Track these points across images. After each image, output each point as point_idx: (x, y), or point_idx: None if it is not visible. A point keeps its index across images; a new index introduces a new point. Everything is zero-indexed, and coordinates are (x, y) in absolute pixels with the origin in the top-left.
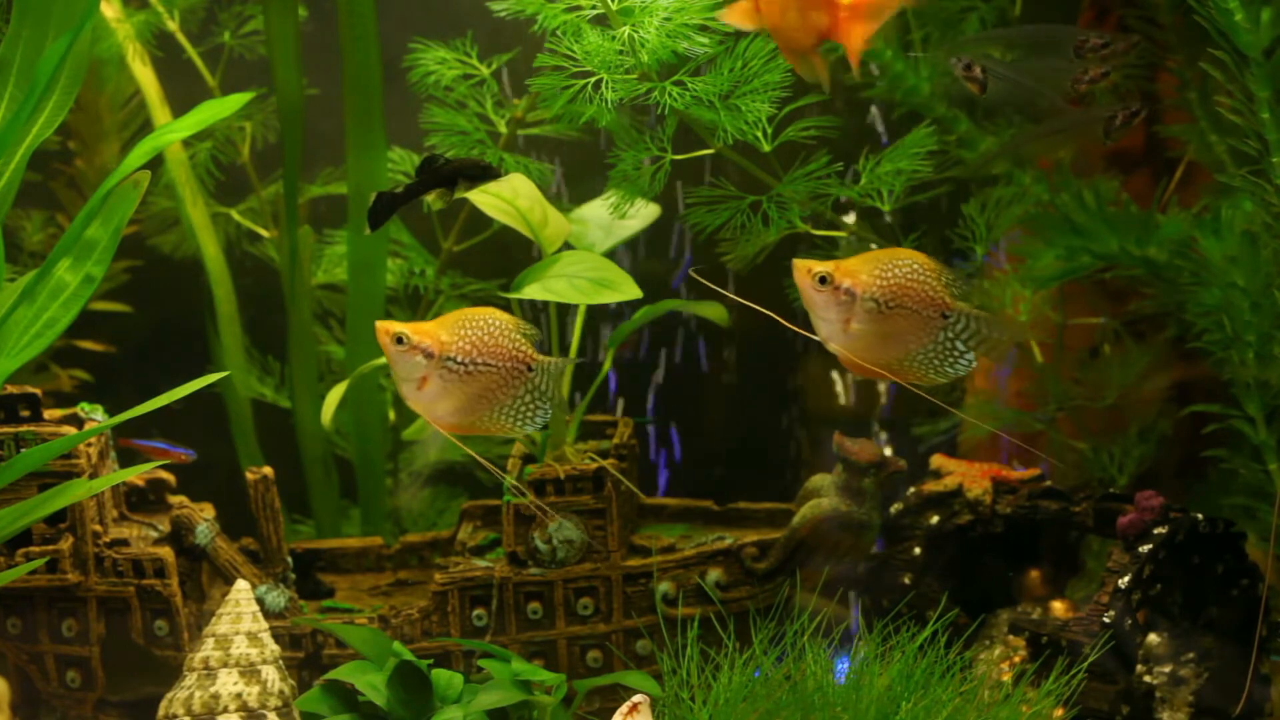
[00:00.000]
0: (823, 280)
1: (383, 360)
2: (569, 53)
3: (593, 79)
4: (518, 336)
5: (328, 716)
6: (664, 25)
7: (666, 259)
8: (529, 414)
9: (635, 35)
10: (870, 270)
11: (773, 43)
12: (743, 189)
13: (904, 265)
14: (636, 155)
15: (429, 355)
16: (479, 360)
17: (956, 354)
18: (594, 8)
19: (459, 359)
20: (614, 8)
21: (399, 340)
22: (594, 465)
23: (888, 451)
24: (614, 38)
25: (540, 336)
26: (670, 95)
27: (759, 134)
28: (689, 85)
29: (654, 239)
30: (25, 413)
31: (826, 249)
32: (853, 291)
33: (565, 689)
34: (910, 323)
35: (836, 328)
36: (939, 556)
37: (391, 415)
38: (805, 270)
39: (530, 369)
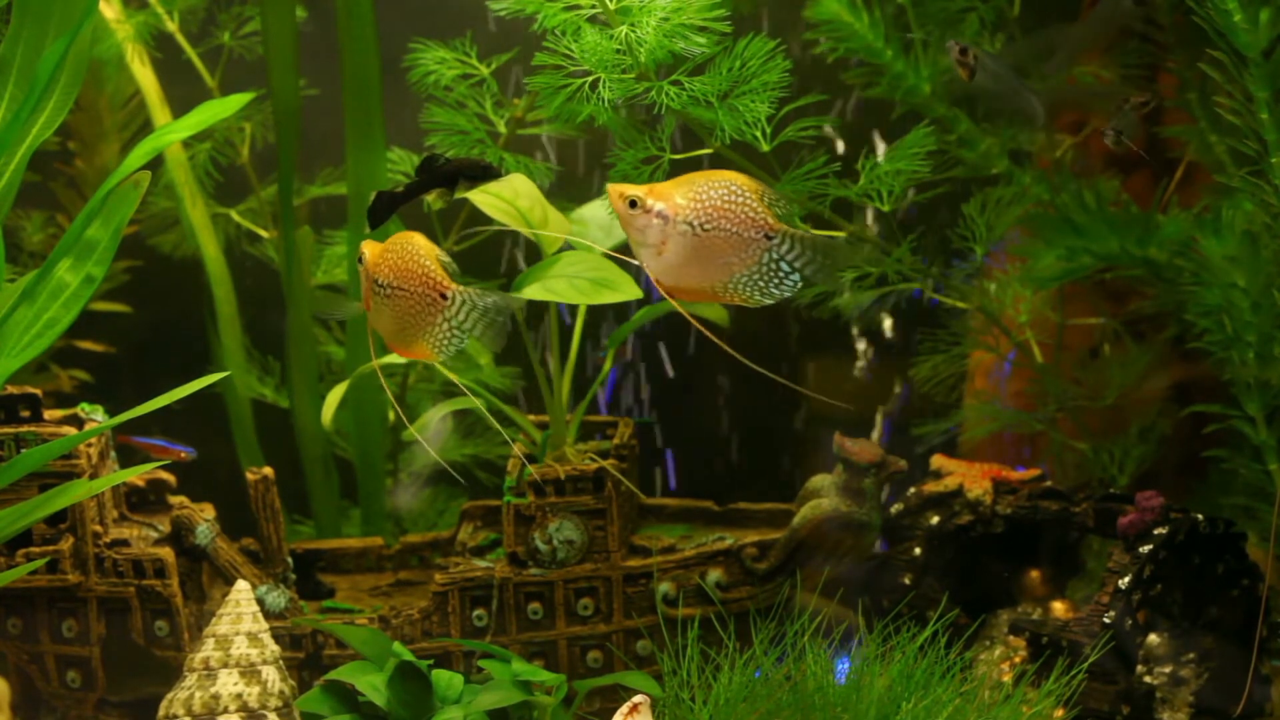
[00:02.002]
0: (633, 204)
1: (383, 360)
2: (567, 52)
3: (590, 78)
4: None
5: (328, 717)
6: (662, 25)
7: None
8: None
9: (633, 35)
10: (684, 192)
11: (772, 43)
12: None
13: (720, 186)
14: (636, 155)
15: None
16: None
17: (781, 275)
18: (593, 7)
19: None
20: (612, 7)
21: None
22: (594, 466)
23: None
24: (612, 37)
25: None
26: (668, 95)
27: (758, 134)
28: (686, 85)
29: None
30: (25, 413)
31: None
32: (665, 214)
33: (565, 689)
34: (730, 244)
35: (651, 253)
36: (939, 557)
37: (391, 415)
38: (618, 194)
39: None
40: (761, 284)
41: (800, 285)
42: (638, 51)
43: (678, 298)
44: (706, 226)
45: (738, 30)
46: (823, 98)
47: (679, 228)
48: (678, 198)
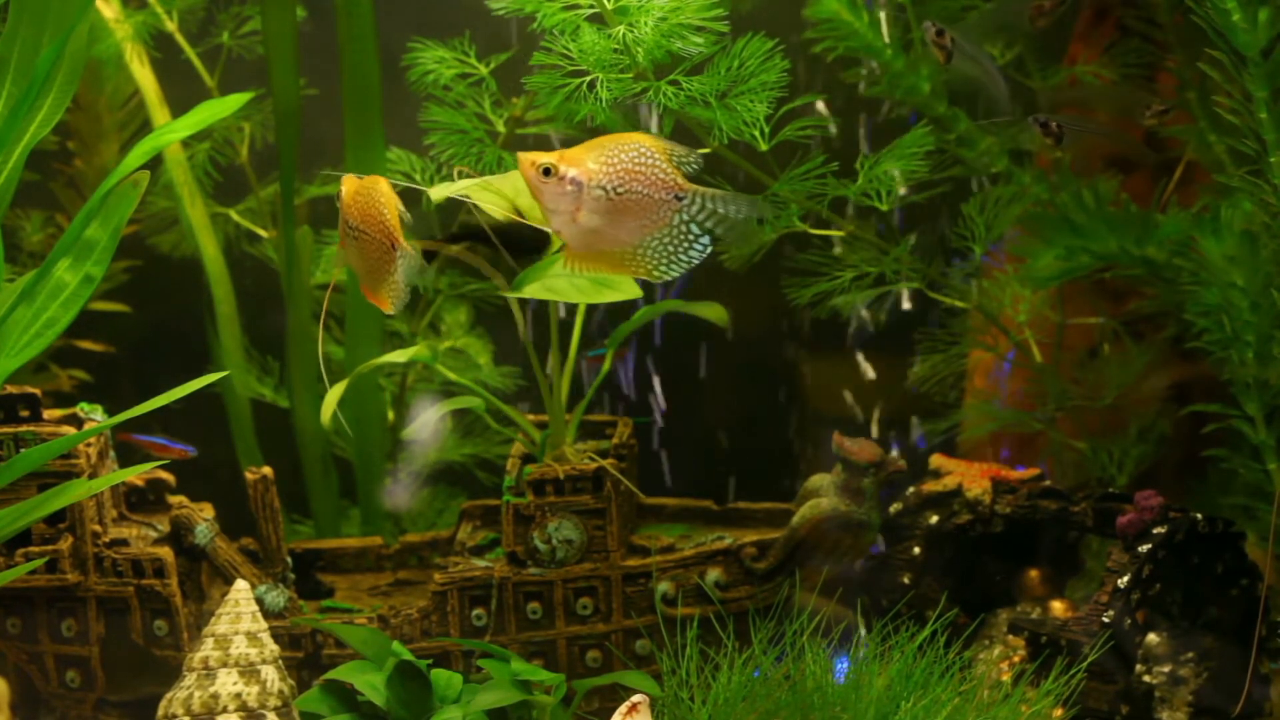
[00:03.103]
0: (546, 172)
1: (382, 360)
2: (565, 51)
3: (587, 78)
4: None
5: (327, 716)
6: (660, 25)
7: None
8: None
9: (631, 35)
10: (595, 157)
11: (769, 42)
12: (744, 189)
13: (630, 149)
14: None
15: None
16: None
17: (691, 238)
18: (591, 6)
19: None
20: (610, 7)
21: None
22: (593, 465)
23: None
24: (610, 36)
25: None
26: (665, 95)
27: (756, 133)
28: (684, 85)
29: None
30: (25, 413)
31: (824, 249)
32: (578, 180)
33: (564, 689)
34: (642, 207)
35: (566, 219)
36: (938, 556)
37: (391, 415)
38: (529, 163)
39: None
40: (671, 248)
41: (708, 250)
42: (635, 51)
43: (590, 268)
44: (620, 190)
45: (744, 29)
46: (820, 97)
47: (593, 193)
48: (590, 163)
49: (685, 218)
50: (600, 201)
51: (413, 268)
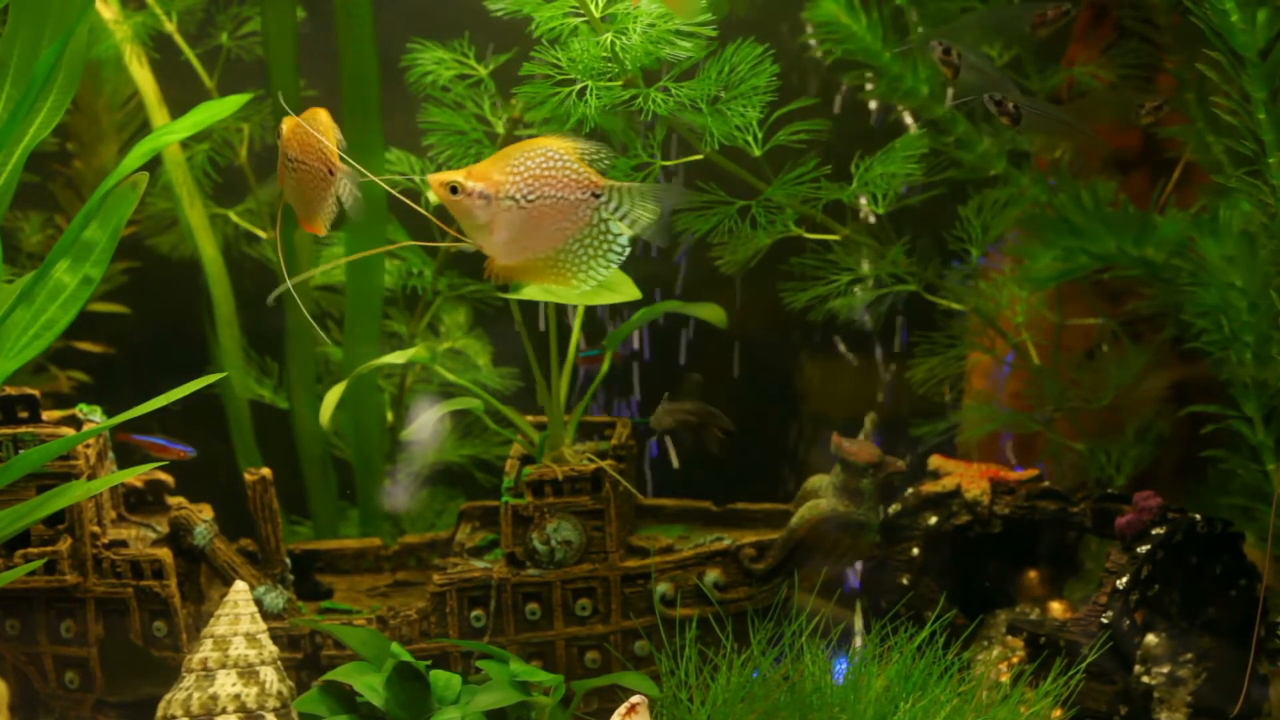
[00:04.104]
0: (454, 190)
1: (381, 361)
2: (555, 60)
3: (577, 86)
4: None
5: (326, 717)
6: (648, 32)
7: (669, 260)
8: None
9: (619, 42)
10: (501, 168)
11: (760, 47)
12: (738, 194)
13: (536, 154)
14: (628, 161)
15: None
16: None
17: (611, 237)
18: (578, 13)
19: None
20: (597, 15)
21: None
22: (592, 466)
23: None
24: (598, 44)
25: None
26: (655, 101)
27: (749, 139)
28: (674, 91)
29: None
30: (24, 414)
31: (820, 253)
32: (486, 193)
33: (563, 690)
34: (558, 210)
35: (483, 233)
36: (937, 557)
37: (390, 416)
38: (438, 183)
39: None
40: (593, 249)
41: (628, 249)
42: (624, 59)
43: (519, 280)
44: (530, 197)
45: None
46: (813, 101)
47: (503, 204)
48: (495, 174)
49: (603, 215)
50: (511, 211)
51: (351, 184)
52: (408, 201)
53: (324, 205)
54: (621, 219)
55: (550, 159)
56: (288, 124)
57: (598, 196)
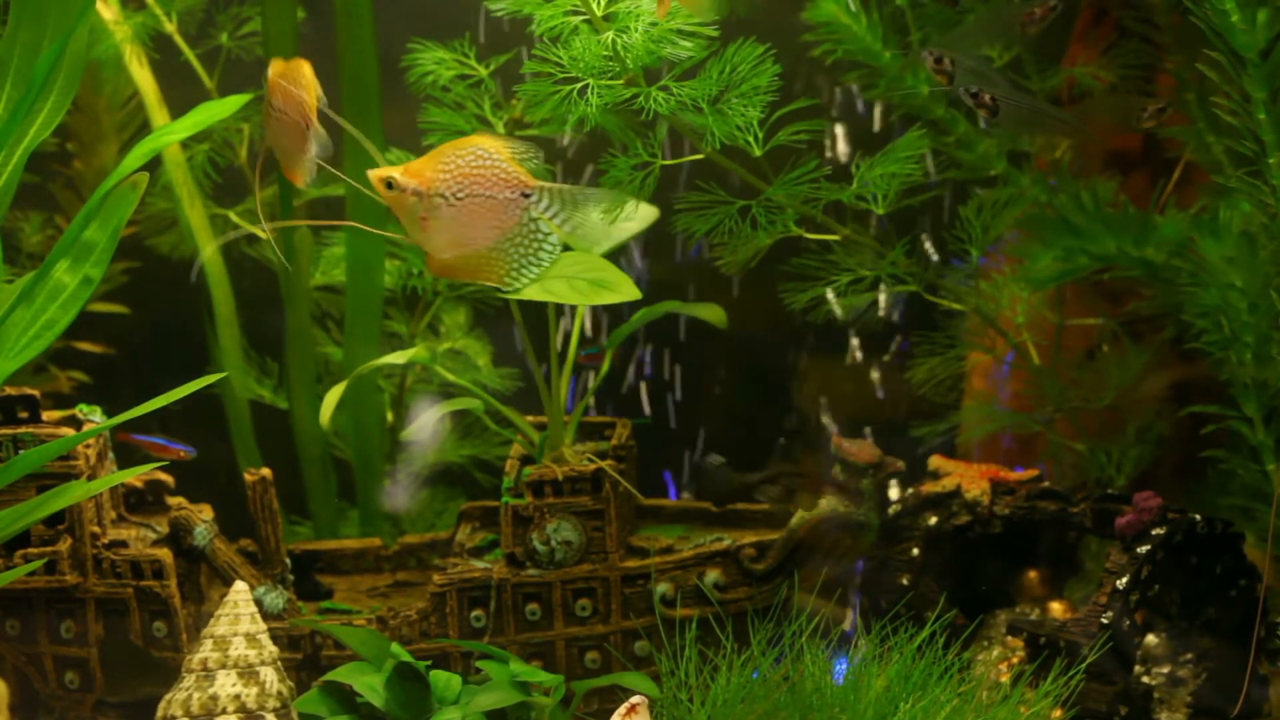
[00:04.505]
0: (389, 185)
1: (381, 361)
2: (557, 59)
3: (579, 85)
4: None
5: (326, 717)
6: (650, 31)
7: (669, 260)
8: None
9: (620, 41)
10: (434, 166)
11: (761, 47)
12: (738, 194)
13: (466, 153)
14: (629, 160)
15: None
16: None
17: (540, 237)
18: (581, 12)
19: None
20: (599, 14)
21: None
22: (592, 466)
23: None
24: (600, 42)
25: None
26: (656, 100)
27: (750, 138)
28: (675, 90)
29: (657, 240)
30: (23, 414)
31: (820, 253)
32: (419, 190)
33: (563, 690)
34: (488, 209)
35: (418, 230)
36: (937, 557)
37: (390, 416)
38: (377, 179)
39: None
40: (524, 249)
41: (558, 250)
42: (625, 58)
43: (453, 277)
44: (460, 195)
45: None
46: (813, 102)
47: (434, 201)
48: (428, 172)
49: (533, 215)
50: (442, 209)
51: (324, 144)
52: (367, 190)
53: (302, 157)
54: (553, 219)
55: (480, 158)
56: (273, 70)
57: (527, 196)
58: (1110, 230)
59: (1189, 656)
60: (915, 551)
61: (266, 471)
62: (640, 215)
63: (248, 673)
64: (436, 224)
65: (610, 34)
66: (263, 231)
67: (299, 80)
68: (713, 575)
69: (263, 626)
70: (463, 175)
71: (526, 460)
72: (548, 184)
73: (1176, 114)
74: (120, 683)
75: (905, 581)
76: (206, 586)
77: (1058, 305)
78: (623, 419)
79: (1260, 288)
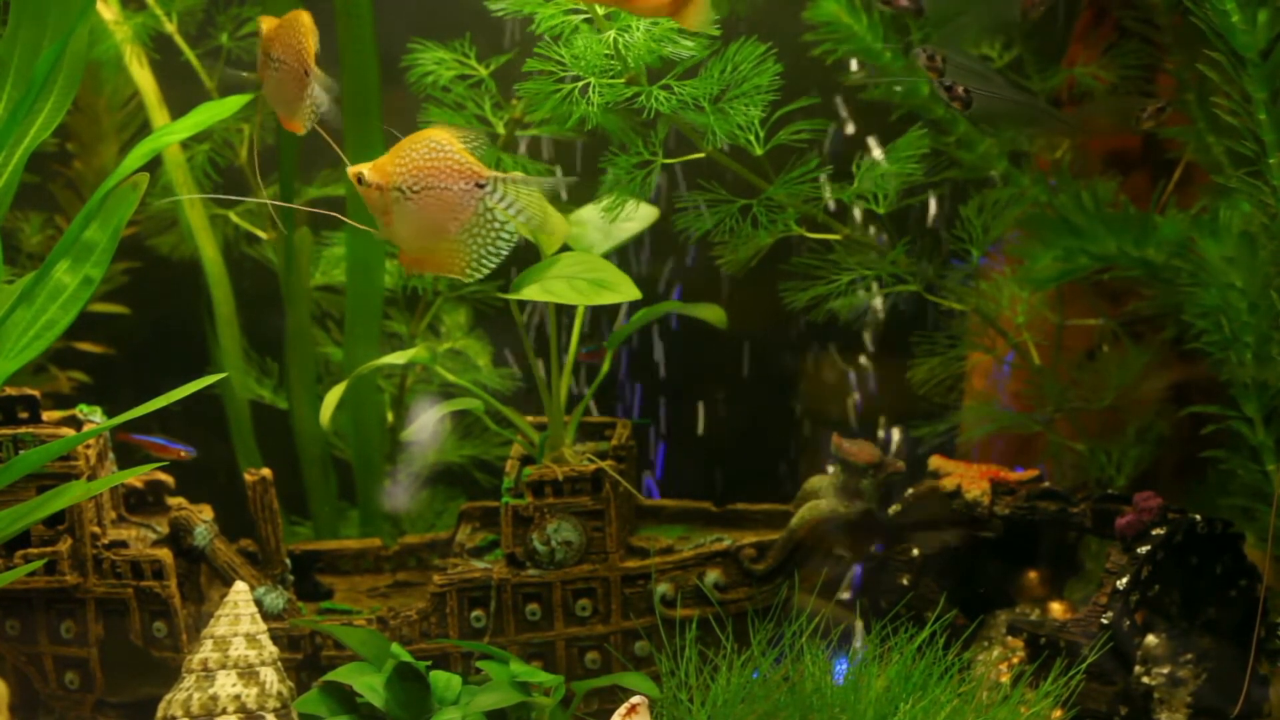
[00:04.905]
0: (360, 180)
1: (381, 361)
2: (558, 57)
3: (580, 83)
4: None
5: (326, 718)
6: (651, 29)
7: (669, 261)
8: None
9: (622, 39)
10: (392, 160)
11: (762, 46)
12: (739, 193)
13: (420, 146)
14: (629, 160)
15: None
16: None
17: (496, 226)
18: (582, 12)
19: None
20: (601, 13)
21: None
22: (592, 467)
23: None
24: (601, 41)
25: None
26: (657, 99)
27: (750, 137)
28: (676, 89)
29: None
30: (24, 414)
31: (821, 252)
32: (381, 185)
33: (563, 690)
34: (444, 201)
35: (384, 223)
36: (937, 557)
37: (390, 416)
38: (351, 174)
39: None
40: (481, 239)
41: (515, 239)
42: (626, 56)
43: (424, 271)
44: (415, 188)
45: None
46: (815, 101)
47: (393, 195)
48: (388, 166)
49: (489, 204)
50: (401, 203)
51: (326, 86)
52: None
53: (301, 105)
54: (507, 209)
55: (434, 150)
56: (267, 23)
57: (481, 187)
58: (1110, 230)
59: (1189, 657)
60: (915, 551)
61: (266, 471)
62: (640, 215)
63: (248, 673)
64: (399, 218)
65: (612, 33)
66: (263, 232)
67: (297, 29)
68: (713, 575)
69: (263, 627)
70: (418, 169)
71: (526, 460)
72: (501, 174)
73: (1177, 114)
74: (120, 683)
75: (905, 582)
76: (206, 587)
77: (1058, 305)
78: (622, 419)
79: (1260, 288)
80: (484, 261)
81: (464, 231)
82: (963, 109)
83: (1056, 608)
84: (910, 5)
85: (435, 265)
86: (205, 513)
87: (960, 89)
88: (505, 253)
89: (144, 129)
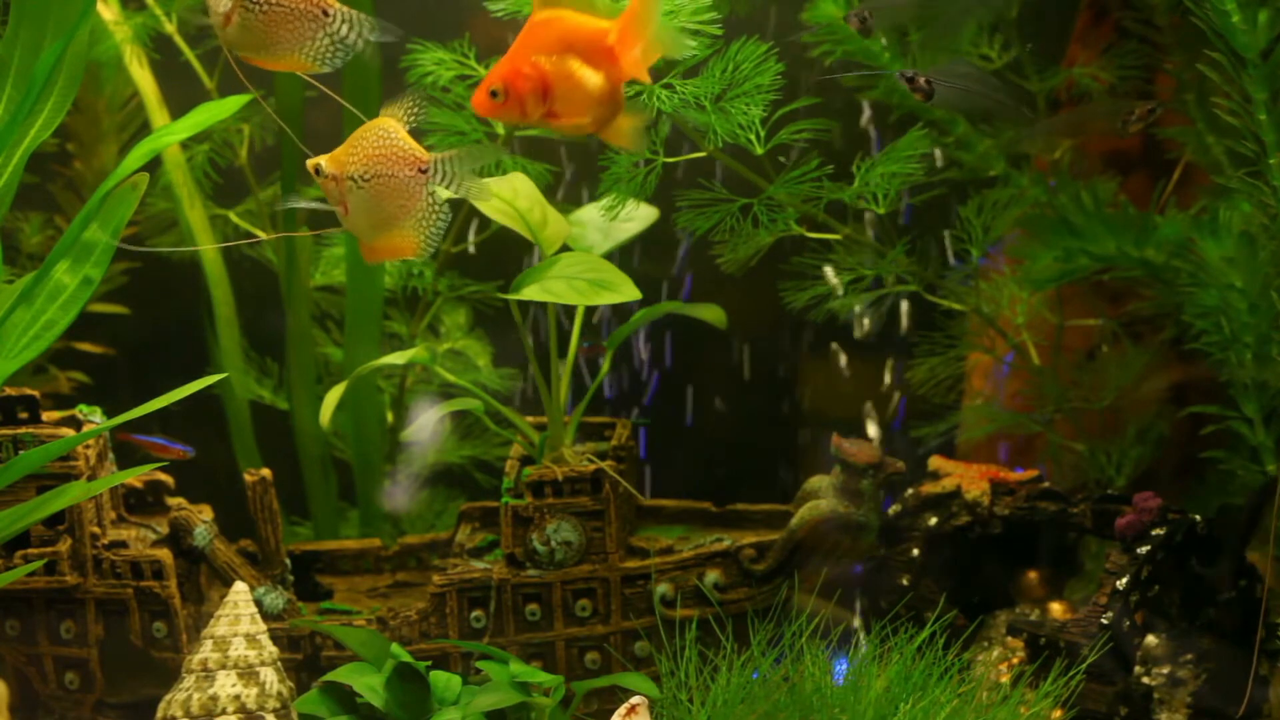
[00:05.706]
0: (317, 171)
1: (381, 362)
2: None
3: None
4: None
5: (326, 718)
6: None
7: (669, 260)
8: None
9: None
10: (345, 150)
11: (764, 46)
12: (739, 192)
13: (372, 134)
14: (629, 159)
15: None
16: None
17: (436, 206)
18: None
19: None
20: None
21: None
22: (592, 467)
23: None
24: None
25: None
26: (659, 98)
27: (751, 137)
28: (678, 88)
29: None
30: (23, 415)
31: (821, 252)
32: (336, 175)
33: (563, 690)
34: (392, 188)
35: (342, 214)
36: (937, 558)
37: (390, 417)
38: (310, 166)
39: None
40: (428, 222)
41: (446, 209)
42: None
43: (382, 259)
44: (366, 177)
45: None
46: (817, 101)
47: (346, 185)
48: (341, 157)
49: (431, 186)
50: (354, 192)
51: (351, 25)
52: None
53: (313, 44)
54: (448, 186)
55: (381, 137)
56: None
57: (424, 172)
58: (1110, 230)
59: (1189, 657)
60: (915, 552)
61: (266, 472)
62: (640, 215)
63: (248, 673)
64: (354, 208)
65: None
66: (262, 232)
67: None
68: (713, 576)
69: (263, 627)
70: (367, 157)
71: (526, 461)
72: (440, 155)
73: (1177, 114)
74: (120, 683)
75: (905, 582)
76: (206, 587)
77: (1057, 306)
78: (622, 419)
79: (1260, 288)
80: (429, 240)
81: (412, 217)
82: (925, 100)
83: (1056, 608)
84: (859, 27)
85: (390, 252)
86: (205, 513)
87: (922, 80)
88: (445, 227)
89: (144, 129)
